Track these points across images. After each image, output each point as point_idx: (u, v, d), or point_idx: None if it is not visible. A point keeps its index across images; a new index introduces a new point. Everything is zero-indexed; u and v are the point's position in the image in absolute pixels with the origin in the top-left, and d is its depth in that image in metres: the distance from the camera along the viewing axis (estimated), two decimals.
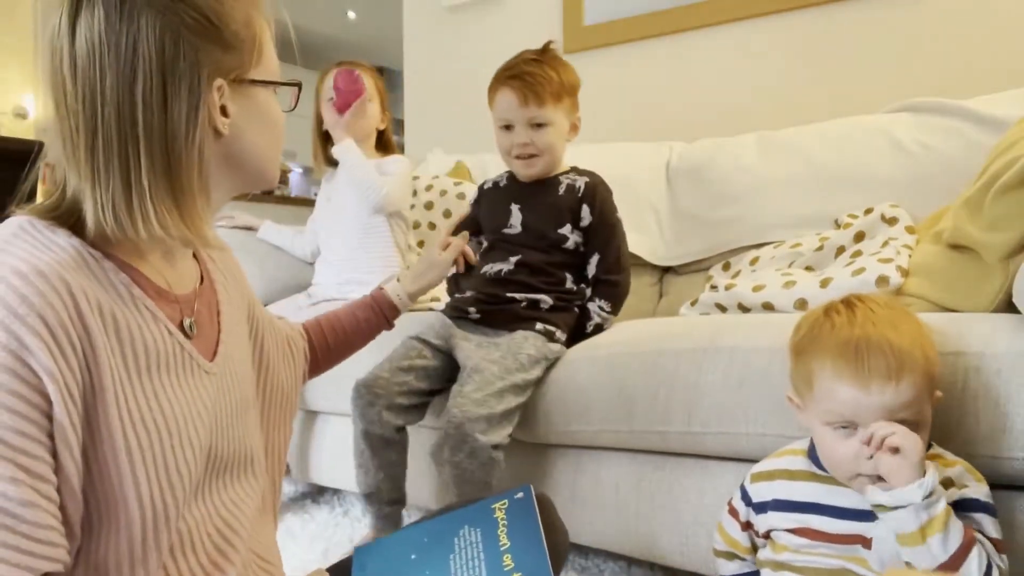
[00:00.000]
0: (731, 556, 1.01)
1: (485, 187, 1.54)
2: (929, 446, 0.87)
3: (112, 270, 0.61)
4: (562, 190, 1.41)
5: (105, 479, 0.57)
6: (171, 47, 0.60)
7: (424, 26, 2.81)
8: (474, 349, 1.32)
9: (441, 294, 1.72)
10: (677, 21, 2.25)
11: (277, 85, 0.73)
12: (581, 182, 1.41)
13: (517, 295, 1.37)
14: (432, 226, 2.10)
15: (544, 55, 1.39)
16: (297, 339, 0.96)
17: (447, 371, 1.36)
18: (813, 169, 1.71)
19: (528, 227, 1.41)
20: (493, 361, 1.26)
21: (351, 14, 5.95)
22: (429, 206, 2.12)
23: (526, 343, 1.30)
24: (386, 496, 1.37)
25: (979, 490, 0.83)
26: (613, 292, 1.42)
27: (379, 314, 1.08)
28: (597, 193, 1.40)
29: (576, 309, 1.42)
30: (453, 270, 1.30)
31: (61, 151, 0.61)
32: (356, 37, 6.35)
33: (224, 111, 0.66)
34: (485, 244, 1.47)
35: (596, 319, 1.40)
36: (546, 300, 1.37)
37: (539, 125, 1.36)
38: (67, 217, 0.61)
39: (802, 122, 1.85)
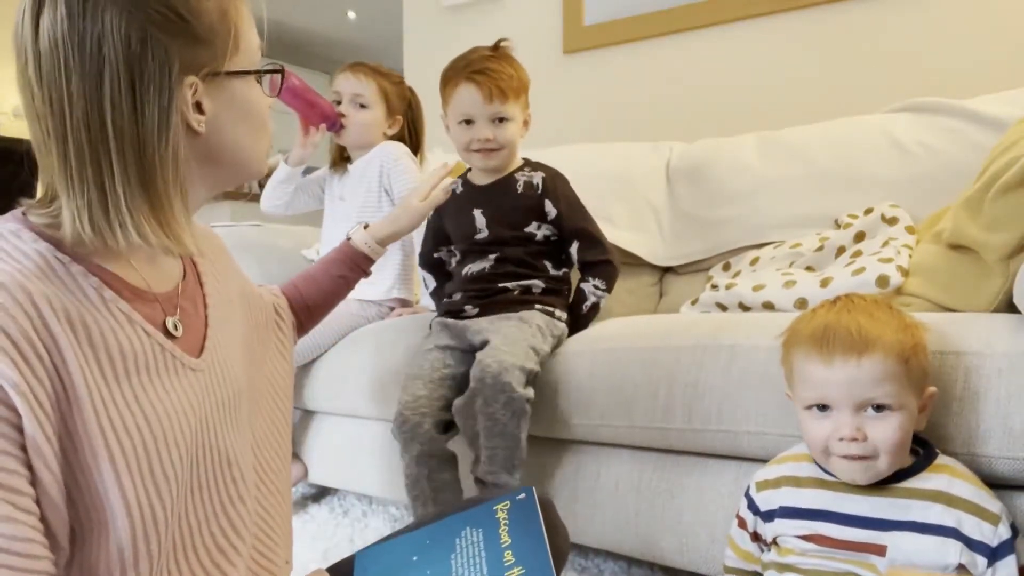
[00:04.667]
0: (743, 574, 0.98)
1: None
2: (935, 455, 0.86)
3: (81, 274, 0.59)
4: (520, 188, 1.41)
5: (90, 487, 0.56)
6: (138, 46, 0.58)
7: (424, 26, 2.81)
8: (487, 324, 1.33)
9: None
10: (677, 21, 2.25)
11: (256, 74, 0.69)
12: (538, 178, 1.41)
13: (509, 284, 1.38)
14: None
15: (498, 51, 1.40)
16: (284, 305, 0.96)
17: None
18: (813, 169, 1.70)
19: (495, 230, 1.41)
20: (510, 325, 1.28)
21: (351, 14, 5.94)
22: None
23: (534, 317, 1.32)
24: None
25: (981, 529, 0.80)
26: (607, 270, 1.43)
27: (353, 267, 1.08)
28: (557, 185, 1.42)
29: (566, 292, 1.44)
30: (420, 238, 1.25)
31: (37, 154, 0.60)
32: (356, 37, 6.33)
33: (199, 108, 0.64)
34: (459, 256, 1.47)
35: (592, 298, 1.41)
36: (538, 284, 1.39)
37: (501, 120, 1.38)
38: (59, 214, 0.60)
39: (802, 122, 1.86)
